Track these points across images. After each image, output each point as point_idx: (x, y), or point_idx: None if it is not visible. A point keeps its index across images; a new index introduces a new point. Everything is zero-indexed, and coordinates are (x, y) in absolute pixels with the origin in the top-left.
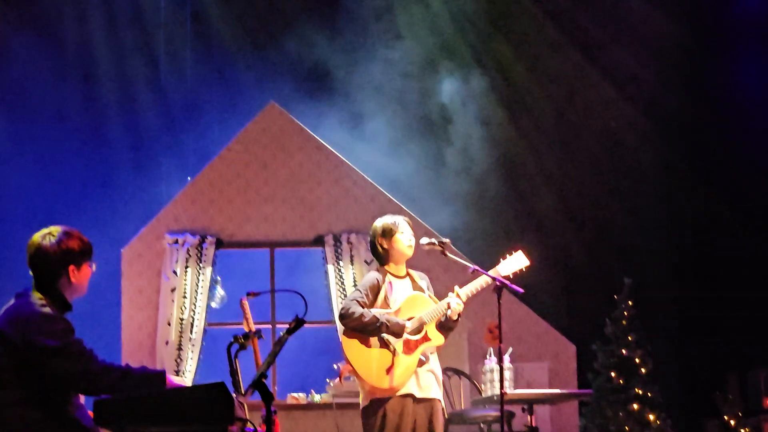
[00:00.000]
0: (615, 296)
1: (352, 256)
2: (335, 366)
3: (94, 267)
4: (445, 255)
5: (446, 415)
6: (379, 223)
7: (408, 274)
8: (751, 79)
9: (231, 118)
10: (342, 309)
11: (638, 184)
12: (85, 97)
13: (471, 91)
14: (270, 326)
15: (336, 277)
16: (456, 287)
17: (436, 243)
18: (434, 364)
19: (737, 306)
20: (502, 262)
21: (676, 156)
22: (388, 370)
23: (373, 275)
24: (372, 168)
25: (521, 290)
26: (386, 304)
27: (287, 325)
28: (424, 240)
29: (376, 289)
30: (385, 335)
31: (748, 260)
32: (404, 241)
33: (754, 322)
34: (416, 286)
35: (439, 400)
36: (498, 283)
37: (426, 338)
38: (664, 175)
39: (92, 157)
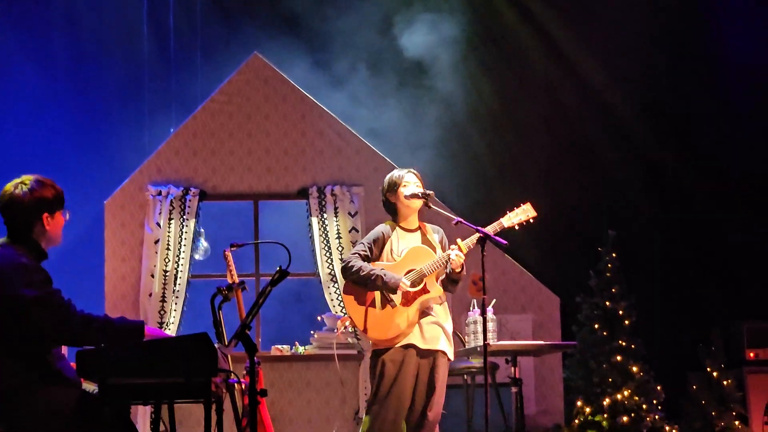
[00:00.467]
0: (599, 248)
1: (336, 208)
2: (319, 318)
3: (67, 215)
4: (429, 207)
5: None
6: (387, 177)
7: (421, 227)
8: (738, 39)
9: (215, 69)
10: (343, 262)
11: (623, 136)
12: (68, 47)
13: (453, 41)
14: (254, 278)
15: (320, 229)
16: (458, 239)
17: (419, 194)
18: (442, 316)
19: (721, 258)
20: (508, 214)
21: (661, 108)
22: (387, 322)
23: (380, 228)
24: (353, 119)
25: (505, 242)
26: (392, 257)
27: (271, 277)
28: (408, 191)
29: (380, 243)
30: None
31: (732, 213)
32: (407, 194)
33: (738, 275)
34: (426, 240)
35: (444, 353)
36: (481, 234)
37: (425, 290)
38: (648, 128)
39: (75, 107)
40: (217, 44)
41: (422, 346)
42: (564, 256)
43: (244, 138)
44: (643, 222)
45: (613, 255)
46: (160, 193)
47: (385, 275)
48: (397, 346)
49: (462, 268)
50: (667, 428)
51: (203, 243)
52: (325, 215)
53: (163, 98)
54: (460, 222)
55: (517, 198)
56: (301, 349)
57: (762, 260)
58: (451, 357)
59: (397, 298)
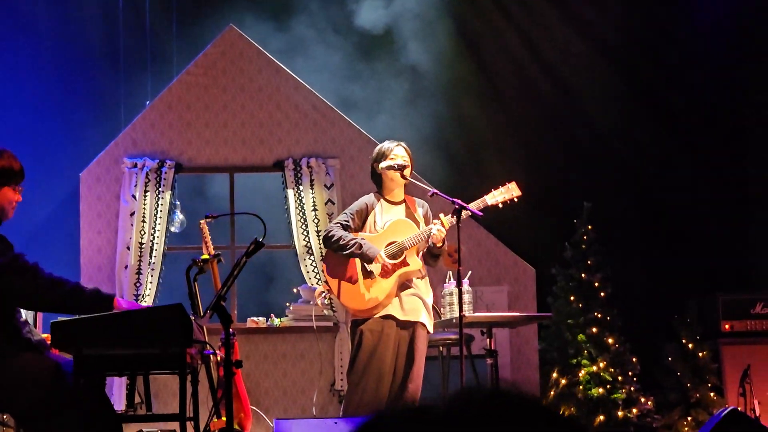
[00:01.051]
0: (574, 220)
1: (312, 181)
2: (295, 290)
3: (18, 193)
4: (405, 178)
5: None
6: (377, 147)
7: (406, 200)
8: (708, 14)
9: (190, 42)
10: (324, 231)
11: (598, 107)
12: (43, 20)
13: (420, 8)
14: (229, 250)
15: (296, 201)
16: (441, 215)
17: (395, 167)
18: (423, 289)
19: (696, 230)
20: (492, 192)
21: (638, 80)
22: (365, 293)
23: (364, 199)
24: (325, 91)
25: (480, 213)
26: (375, 228)
27: (246, 249)
28: (384, 164)
29: (363, 213)
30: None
31: (709, 184)
32: (383, 166)
33: (713, 246)
34: (410, 213)
35: (424, 325)
36: (456, 205)
37: (404, 263)
38: (625, 100)
39: (50, 79)
40: (193, 15)
41: (401, 317)
42: (540, 227)
43: (219, 110)
44: (618, 194)
45: (589, 227)
46: (135, 166)
47: (363, 245)
48: (375, 316)
49: (443, 243)
50: (642, 400)
51: (179, 215)
52: (301, 187)
53: (138, 70)
54: (436, 193)
55: (494, 169)
56: (276, 322)
57: (738, 232)
58: (431, 330)
59: (376, 269)
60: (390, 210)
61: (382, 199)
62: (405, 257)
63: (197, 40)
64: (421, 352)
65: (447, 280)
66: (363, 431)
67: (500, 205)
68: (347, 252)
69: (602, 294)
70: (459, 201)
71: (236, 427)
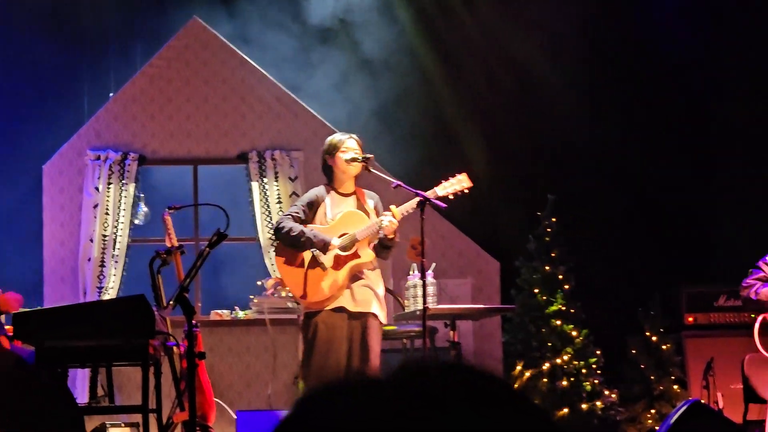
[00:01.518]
0: (538, 213)
1: (276, 173)
2: (258, 283)
3: None
4: (368, 170)
5: None
6: (328, 139)
7: (356, 192)
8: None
9: (154, 34)
10: (275, 223)
11: (564, 99)
12: (6, 10)
13: None
14: (193, 242)
15: (260, 193)
16: (392, 206)
17: (359, 159)
18: (375, 280)
19: (661, 223)
20: (443, 183)
21: (601, 73)
22: (316, 285)
23: (314, 191)
24: (282, 81)
25: (444, 205)
26: (326, 220)
27: (209, 240)
28: (347, 155)
29: (314, 205)
30: (312, 250)
31: (674, 177)
32: (346, 158)
33: (678, 240)
34: (360, 205)
35: (375, 315)
36: (421, 197)
37: (355, 255)
38: (590, 91)
39: (12, 71)
40: (156, 6)
41: (353, 308)
42: (504, 220)
43: (182, 103)
44: (582, 187)
45: (553, 219)
46: (98, 158)
47: (315, 236)
48: (327, 308)
49: (395, 235)
50: (606, 392)
51: (143, 207)
52: (265, 180)
53: (102, 62)
54: (400, 185)
55: (456, 160)
56: (240, 314)
57: (702, 226)
58: (383, 320)
59: (327, 261)
60: (340, 202)
61: (332, 191)
62: (356, 249)
63: (161, 32)
64: (375, 342)
65: (411, 273)
66: (303, 412)
67: (451, 197)
68: (299, 243)
69: (566, 286)
70: (423, 193)
71: (199, 419)
